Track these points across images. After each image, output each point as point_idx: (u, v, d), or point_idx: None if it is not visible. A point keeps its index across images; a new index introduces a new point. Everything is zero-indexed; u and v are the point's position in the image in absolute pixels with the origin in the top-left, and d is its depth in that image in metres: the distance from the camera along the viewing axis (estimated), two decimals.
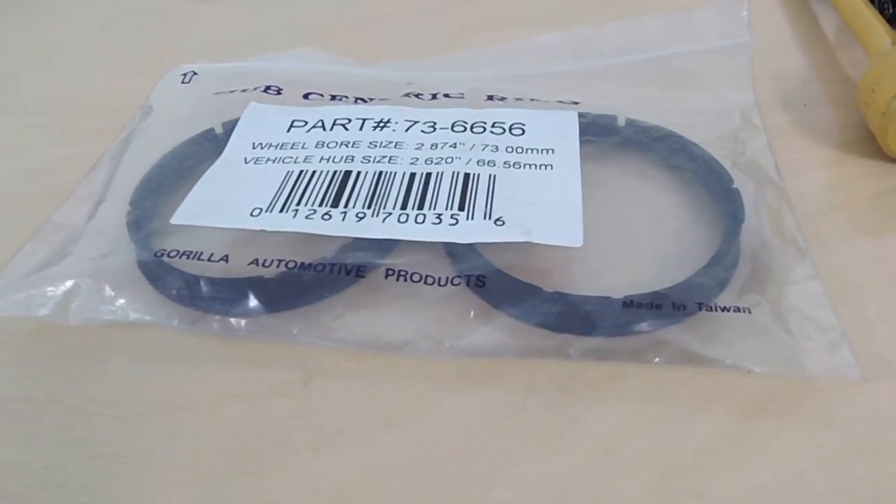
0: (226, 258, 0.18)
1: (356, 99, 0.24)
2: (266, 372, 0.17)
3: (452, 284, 0.18)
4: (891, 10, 0.28)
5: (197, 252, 0.18)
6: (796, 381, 0.16)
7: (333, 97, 0.24)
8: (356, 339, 0.17)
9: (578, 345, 0.17)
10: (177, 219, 0.19)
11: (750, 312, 0.17)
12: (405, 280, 0.18)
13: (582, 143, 0.22)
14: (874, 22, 0.25)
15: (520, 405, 0.16)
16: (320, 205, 0.19)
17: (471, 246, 0.18)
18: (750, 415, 0.16)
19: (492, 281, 0.18)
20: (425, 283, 0.18)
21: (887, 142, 0.22)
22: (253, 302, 0.17)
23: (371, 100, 0.24)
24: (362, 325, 0.18)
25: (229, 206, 0.19)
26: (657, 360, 0.16)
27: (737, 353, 0.16)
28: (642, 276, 0.18)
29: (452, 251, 0.18)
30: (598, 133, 0.22)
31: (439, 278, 0.18)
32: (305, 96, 0.24)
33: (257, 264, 0.18)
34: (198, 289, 0.17)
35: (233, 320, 0.17)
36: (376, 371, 0.17)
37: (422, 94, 0.24)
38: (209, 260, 0.18)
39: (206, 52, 0.27)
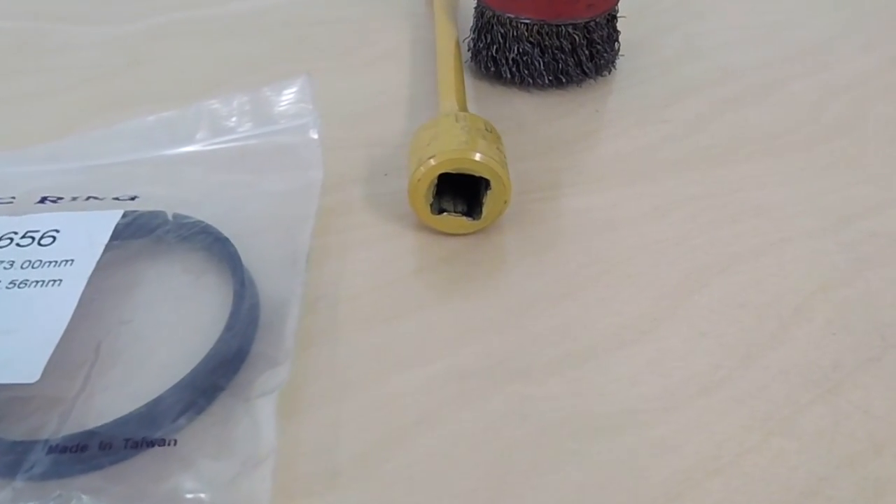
0: None
1: None
2: None
3: None
4: (492, 69, 0.29)
5: None
6: None
7: None
8: None
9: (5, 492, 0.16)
10: None
11: (175, 444, 0.16)
12: None
13: (114, 246, 0.21)
14: (449, 87, 0.26)
15: None
16: None
17: None
18: None
19: None
20: None
21: (417, 213, 0.22)
22: None
23: None
24: None
25: None
26: None
27: (163, 492, 0.16)
28: (119, 403, 0.17)
29: None
30: (135, 233, 0.22)
31: None
32: None
33: None
34: None
35: None
36: None
37: None
38: None
39: None
